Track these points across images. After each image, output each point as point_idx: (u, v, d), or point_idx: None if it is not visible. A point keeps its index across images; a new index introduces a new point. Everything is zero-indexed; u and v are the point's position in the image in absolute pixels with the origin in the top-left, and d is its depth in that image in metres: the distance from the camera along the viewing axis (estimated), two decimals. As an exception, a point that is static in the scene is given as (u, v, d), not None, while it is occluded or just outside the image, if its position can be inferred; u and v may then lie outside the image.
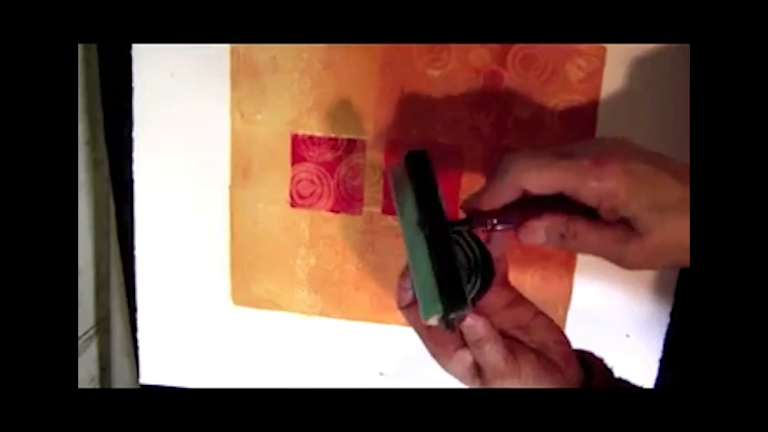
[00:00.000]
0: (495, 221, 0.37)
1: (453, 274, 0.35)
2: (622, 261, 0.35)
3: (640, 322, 0.54)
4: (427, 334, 0.41)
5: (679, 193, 0.33)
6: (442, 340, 0.40)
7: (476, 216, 0.37)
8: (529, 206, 0.36)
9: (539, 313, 0.42)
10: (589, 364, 0.43)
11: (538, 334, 0.41)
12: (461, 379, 0.41)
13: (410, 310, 0.41)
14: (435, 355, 0.41)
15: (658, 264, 0.34)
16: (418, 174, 0.38)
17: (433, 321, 0.36)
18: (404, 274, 0.42)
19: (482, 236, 0.39)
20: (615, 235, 0.34)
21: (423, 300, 0.36)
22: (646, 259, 0.34)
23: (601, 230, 0.35)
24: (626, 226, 0.34)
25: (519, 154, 0.36)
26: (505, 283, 0.43)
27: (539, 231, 0.36)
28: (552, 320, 0.42)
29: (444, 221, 0.37)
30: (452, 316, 0.35)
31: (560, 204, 0.35)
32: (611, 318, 0.55)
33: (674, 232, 0.33)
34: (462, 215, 0.39)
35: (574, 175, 0.34)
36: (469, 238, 0.38)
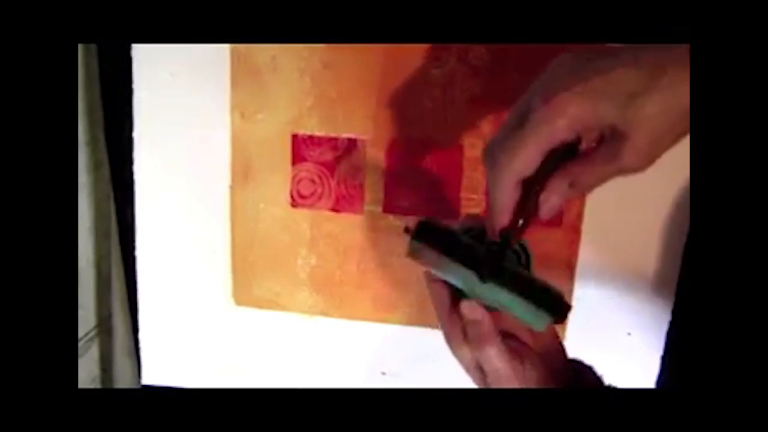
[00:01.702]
0: (521, 222, 0.37)
1: (542, 289, 0.39)
2: (628, 168, 0.34)
3: (641, 320, 0.54)
4: (446, 316, 0.40)
5: (634, 78, 0.32)
6: (457, 326, 0.40)
7: (508, 232, 0.38)
8: (528, 187, 0.36)
9: None
10: (580, 372, 0.43)
11: (543, 339, 0.42)
12: (466, 370, 0.41)
13: (436, 285, 0.41)
14: (447, 338, 0.41)
15: (662, 150, 0.34)
16: (438, 243, 0.40)
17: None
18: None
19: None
20: (608, 152, 0.34)
21: (533, 320, 0.39)
22: (647, 153, 0.33)
23: (593, 158, 0.35)
24: (613, 139, 0.34)
25: (493, 154, 0.36)
26: None
27: (552, 199, 0.36)
28: (554, 327, 0.42)
29: (499, 261, 0.38)
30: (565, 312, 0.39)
31: (549, 161, 0.35)
32: (612, 316, 0.55)
33: (655, 114, 0.32)
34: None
35: (543, 131, 0.34)
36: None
